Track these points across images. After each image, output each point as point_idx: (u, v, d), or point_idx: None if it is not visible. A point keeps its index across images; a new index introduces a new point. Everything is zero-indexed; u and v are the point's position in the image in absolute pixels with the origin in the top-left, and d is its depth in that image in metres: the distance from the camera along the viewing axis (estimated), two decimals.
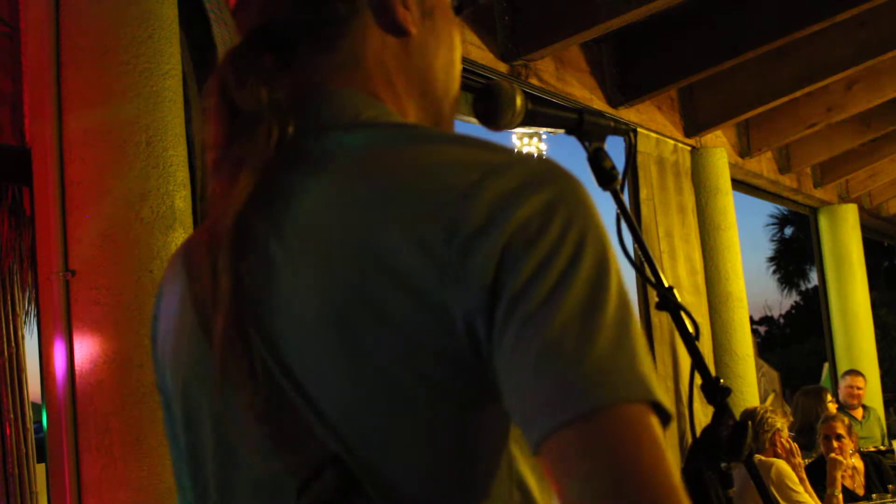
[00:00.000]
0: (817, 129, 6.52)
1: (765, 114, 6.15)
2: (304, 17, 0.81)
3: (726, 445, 1.20)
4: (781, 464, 3.90)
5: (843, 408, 6.43)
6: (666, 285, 1.27)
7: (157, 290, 0.93)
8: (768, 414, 4.09)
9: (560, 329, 0.63)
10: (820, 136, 6.92)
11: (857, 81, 6.13)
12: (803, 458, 4.23)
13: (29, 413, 4.33)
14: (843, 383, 6.80)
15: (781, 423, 4.07)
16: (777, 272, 25.70)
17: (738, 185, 6.63)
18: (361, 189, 0.72)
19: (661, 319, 5.18)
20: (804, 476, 4.05)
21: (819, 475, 4.43)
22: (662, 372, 5.19)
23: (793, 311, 26.87)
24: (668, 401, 0.65)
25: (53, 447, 2.52)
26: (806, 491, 3.90)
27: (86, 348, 2.45)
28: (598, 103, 5.07)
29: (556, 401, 0.62)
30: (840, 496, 4.36)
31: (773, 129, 6.50)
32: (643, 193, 5.32)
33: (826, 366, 9.27)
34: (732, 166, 6.23)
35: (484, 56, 4.30)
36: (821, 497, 4.22)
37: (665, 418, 0.65)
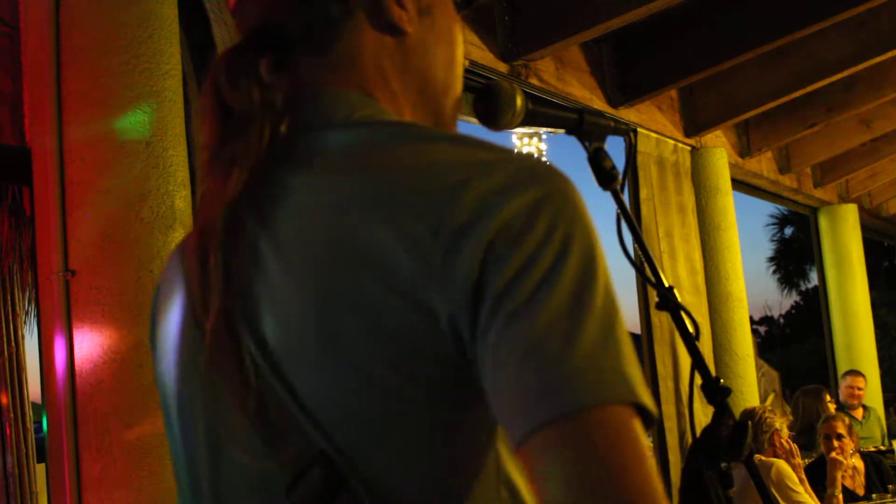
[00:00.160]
0: (817, 129, 6.52)
1: (765, 114, 6.15)
2: (298, 19, 0.81)
3: (726, 445, 1.20)
4: (781, 464, 3.90)
5: (844, 408, 6.43)
6: (666, 285, 1.27)
7: (155, 290, 0.93)
8: (767, 414, 4.09)
9: (543, 328, 0.63)
10: (820, 136, 6.92)
11: (857, 81, 6.13)
12: (804, 458, 4.24)
13: (29, 413, 4.33)
14: (843, 383, 6.80)
15: (780, 422, 4.07)
16: (777, 272, 25.71)
17: (738, 185, 6.63)
18: (350, 187, 0.72)
19: (661, 319, 5.18)
20: (804, 477, 4.05)
21: (819, 475, 4.43)
22: (662, 372, 5.19)
23: (793, 311, 26.88)
24: (652, 403, 0.65)
25: (53, 447, 2.52)
26: (805, 491, 3.90)
27: (86, 348, 2.45)
28: (598, 103, 5.07)
29: (538, 400, 0.62)
30: (840, 496, 4.36)
31: (773, 129, 6.50)
32: (643, 193, 5.32)
33: None
34: (732, 166, 6.23)
35: (484, 56, 4.30)
36: (821, 497, 4.22)
37: (649, 420, 0.65)
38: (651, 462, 0.63)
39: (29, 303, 4.41)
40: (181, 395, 0.84)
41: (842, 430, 4.56)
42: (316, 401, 0.71)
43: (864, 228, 8.49)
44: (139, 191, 2.49)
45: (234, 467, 0.77)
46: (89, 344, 2.45)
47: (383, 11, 0.82)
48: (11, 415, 4.17)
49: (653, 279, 1.27)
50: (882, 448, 6.13)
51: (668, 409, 5.20)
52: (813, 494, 3.95)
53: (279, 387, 0.72)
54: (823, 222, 8.25)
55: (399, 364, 0.68)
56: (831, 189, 8.09)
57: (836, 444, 4.51)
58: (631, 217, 1.28)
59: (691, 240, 5.71)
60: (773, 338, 26.54)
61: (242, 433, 0.73)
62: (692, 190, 5.84)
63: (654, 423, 0.65)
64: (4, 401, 4.15)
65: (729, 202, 5.98)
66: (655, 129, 5.54)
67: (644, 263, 1.30)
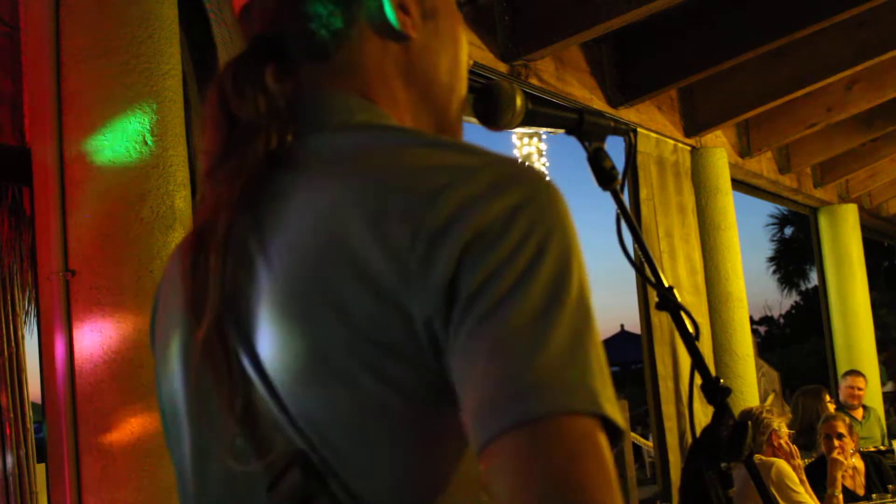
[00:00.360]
0: (817, 129, 6.52)
1: (765, 114, 6.15)
2: (301, 27, 0.82)
3: (726, 445, 1.20)
4: (781, 464, 3.90)
5: (844, 408, 6.43)
6: (666, 285, 1.27)
7: (157, 290, 0.94)
8: (764, 414, 4.08)
9: (511, 331, 0.63)
10: (820, 136, 6.92)
11: (857, 81, 6.13)
12: (804, 459, 4.23)
13: (29, 413, 4.32)
14: (843, 383, 6.80)
15: (778, 422, 4.06)
16: (777, 272, 25.69)
17: (738, 185, 6.63)
18: (338, 189, 0.73)
19: (661, 319, 5.18)
20: (804, 478, 4.05)
21: (819, 475, 4.43)
22: (662, 372, 5.19)
23: (793, 311, 26.87)
24: (619, 417, 0.64)
25: (53, 447, 2.52)
26: (805, 491, 3.90)
27: (86, 348, 2.45)
28: (598, 103, 5.07)
29: (500, 406, 0.62)
30: (840, 496, 4.35)
31: (773, 129, 6.50)
32: (643, 193, 5.32)
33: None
34: (732, 166, 6.23)
35: (484, 56, 4.30)
36: (821, 497, 4.22)
37: (616, 434, 0.64)
38: (611, 474, 0.62)
39: (29, 303, 4.40)
40: (172, 396, 0.85)
41: (842, 429, 4.56)
42: (298, 403, 0.71)
43: (864, 228, 8.49)
44: (139, 191, 2.49)
45: (218, 468, 0.78)
46: (89, 344, 2.45)
47: (387, 18, 0.82)
48: (11, 415, 4.16)
49: (653, 279, 1.27)
50: (882, 448, 6.13)
51: (668, 409, 5.20)
52: (813, 495, 3.95)
53: (262, 387, 0.72)
54: (823, 222, 8.25)
55: (379, 369, 0.68)
56: (831, 189, 8.09)
57: (836, 443, 4.50)
58: (631, 217, 1.28)
59: (691, 240, 5.71)
60: (773, 338, 26.54)
61: (229, 437, 0.74)
62: (692, 190, 5.84)
63: (621, 438, 0.64)
64: (4, 401, 4.15)
65: (729, 202, 5.98)
66: (655, 129, 5.54)
67: (644, 263, 1.30)
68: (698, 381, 1.24)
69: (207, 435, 0.78)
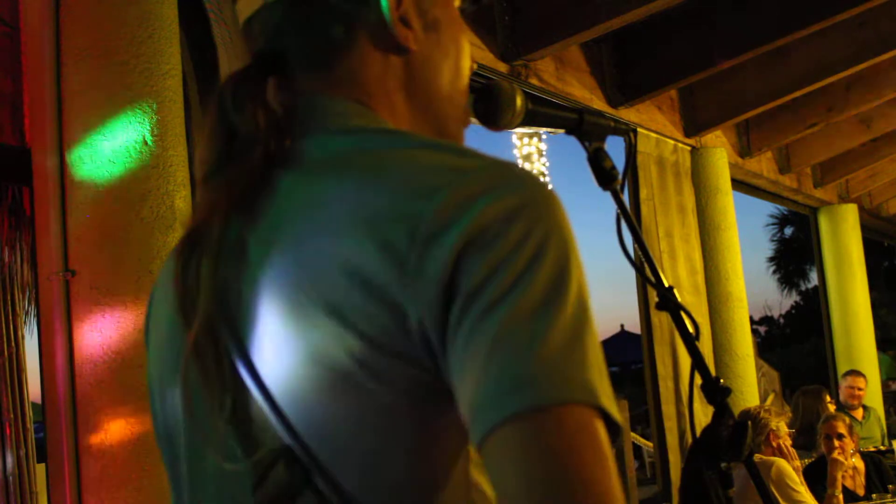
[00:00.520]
0: (817, 129, 6.52)
1: (765, 114, 6.15)
2: (302, 41, 0.82)
3: (726, 445, 1.20)
4: (782, 463, 3.90)
5: (844, 408, 6.43)
6: (666, 285, 1.27)
7: (152, 289, 0.94)
8: (762, 414, 4.08)
9: (511, 328, 0.64)
10: (820, 136, 6.93)
11: (857, 81, 6.13)
12: (804, 459, 4.23)
13: (29, 413, 4.32)
14: (843, 383, 6.80)
15: (776, 422, 4.06)
16: (777, 272, 25.69)
17: (738, 185, 6.63)
18: (333, 190, 0.73)
19: (661, 319, 5.18)
20: (802, 479, 4.05)
21: (819, 475, 4.43)
22: (662, 372, 5.19)
23: (793, 311, 26.86)
24: (616, 412, 0.65)
25: (53, 447, 2.52)
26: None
27: (86, 348, 2.45)
28: (598, 103, 5.07)
29: (499, 397, 0.63)
30: (840, 496, 4.35)
31: (773, 129, 6.51)
32: (643, 193, 5.33)
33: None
34: (732, 166, 6.23)
35: (484, 56, 4.30)
36: (821, 497, 4.22)
37: (614, 429, 0.65)
38: (611, 463, 0.63)
39: (29, 303, 4.40)
40: (163, 396, 0.85)
41: (842, 429, 4.56)
42: (286, 399, 0.72)
43: (864, 228, 8.50)
44: (139, 191, 2.49)
45: (209, 468, 0.78)
46: (89, 344, 2.45)
47: (388, 32, 0.82)
48: (11, 415, 4.16)
49: (653, 279, 1.27)
50: (882, 448, 6.13)
51: (668, 409, 5.20)
52: (811, 496, 3.94)
53: (256, 389, 0.73)
54: (823, 222, 8.25)
55: (371, 366, 0.68)
56: (831, 189, 8.09)
57: (836, 444, 4.50)
58: (631, 217, 1.28)
59: (691, 240, 5.71)
60: (773, 338, 26.53)
61: (219, 437, 0.75)
62: (692, 190, 5.84)
63: (619, 432, 0.65)
64: (4, 401, 4.15)
65: (729, 202, 5.98)
66: (655, 129, 5.54)
67: (644, 263, 1.30)
68: (698, 381, 1.25)
69: (199, 435, 0.79)
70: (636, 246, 1.29)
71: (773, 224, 24.98)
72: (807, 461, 4.68)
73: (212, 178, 0.79)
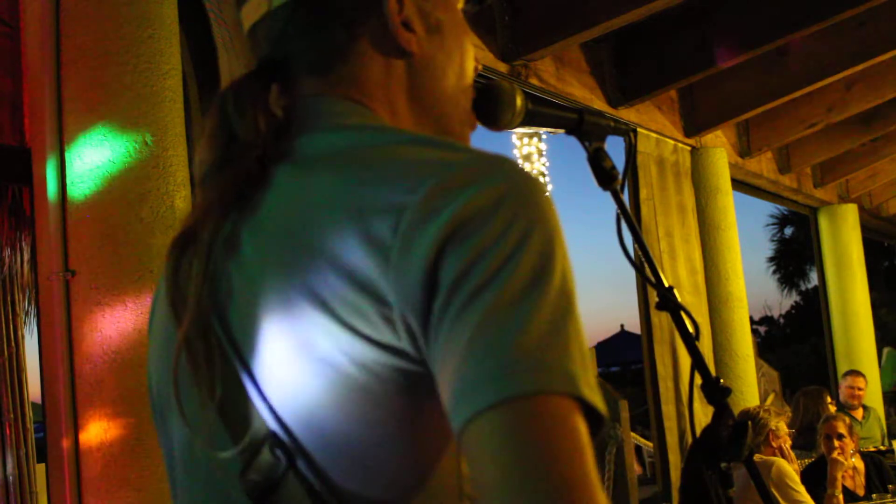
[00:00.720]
0: (817, 129, 6.52)
1: (765, 114, 6.15)
2: (304, 47, 0.83)
3: (726, 445, 1.20)
4: (782, 463, 3.90)
5: (844, 408, 6.43)
6: (666, 285, 1.27)
7: (156, 286, 0.95)
8: (762, 414, 4.08)
9: (492, 315, 0.64)
10: (820, 136, 6.93)
11: (857, 81, 6.13)
12: (804, 459, 4.23)
13: (29, 413, 4.32)
14: (843, 383, 6.80)
15: (775, 422, 4.06)
16: (777, 272, 25.67)
17: (738, 185, 6.63)
18: (323, 185, 0.74)
19: (661, 319, 5.18)
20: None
21: (819, 475, 4.43)
22: (662, 372, 5.19)
23: (793, 311, 26.84)
24: (599, 402, 0.65)
25: (53, 447, 2.52)
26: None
27: (86, 348, 2.45)
28: (598, 103, 5.07)
29: (478, 386, 0.63)
30: (840, 496, 4.35)
31: (773, 129, 6.51)
32: (643, 193, 5.33)
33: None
34: (732, 166, 6.23)
35: (484, 56, 4.30)
36: (821, 497, 4.22)
37: (597, 420, 0.65)
38: (588, 455, 0.63)
39: (29, 303, 4.40)
40: (159, 389, 0.88)
41: (842, 430, 4.56)
42: (274, 388, 0.73)
43: (864, 228, 8.50)
44: (139, 191, 2.49)
45: (200, 458, 0.79)
46: (89, 344, 2.45)
47: (390, 36, 0.83)
48: (11, 415, 4.16)
49: (653, 279, 1.27)
50: (882, 448, 6.13)
51: (668, 409, 5.20)
52: (809, 497, 3.94)
53: (246, 379, 0.74)
54: (823, 222, 8.25)
55: (357, 357, 0.69)
56: (831, 189, 8.09)
57: (836, 444, 4.50)
58: (631, 217, 1.28)
59: (691, 240, 5.71)
60: (773, 338, 26.52)
61: (208, 427, 0.76)
62: (692, 190, 5.84)
63: (602, 423, 0.65)
64: (4, 401, 4.15)
65: (729, 202, 5.98)
66: (655, 129, 5.54)
67: (644, 263, 1.30)
68: (698, 381, 1.25)
69: (189, 426, 0.80)
70: (636, 246, 1.29)
71: (773, 224, 24.98)
72: (807, 461, 4.68)
73: (209, 179, 0.80)
